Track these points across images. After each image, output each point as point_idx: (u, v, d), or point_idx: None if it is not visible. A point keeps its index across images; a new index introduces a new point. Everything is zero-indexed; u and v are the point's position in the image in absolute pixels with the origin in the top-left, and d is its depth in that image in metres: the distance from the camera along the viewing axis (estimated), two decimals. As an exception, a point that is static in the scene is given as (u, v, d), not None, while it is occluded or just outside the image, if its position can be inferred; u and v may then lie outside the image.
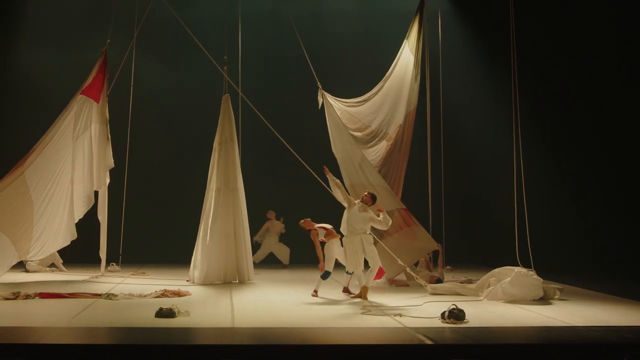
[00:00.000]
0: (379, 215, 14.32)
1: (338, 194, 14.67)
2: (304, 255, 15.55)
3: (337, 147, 17.13)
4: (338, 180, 14.85)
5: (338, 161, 17.06)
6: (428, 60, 18.26)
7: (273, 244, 21.21)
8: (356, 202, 14.40)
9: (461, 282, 15.84)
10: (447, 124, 20.74)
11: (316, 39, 22.98)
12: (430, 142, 18.57)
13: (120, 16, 19.17)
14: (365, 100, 18.30)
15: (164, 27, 20.62)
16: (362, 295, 14.07)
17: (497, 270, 14.70)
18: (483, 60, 23.27)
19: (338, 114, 17.53)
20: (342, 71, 22.74)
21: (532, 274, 14.10)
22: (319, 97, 17.38)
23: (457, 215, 21.59)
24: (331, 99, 17.63)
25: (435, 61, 19.86)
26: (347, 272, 14.46)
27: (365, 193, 14.62)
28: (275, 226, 21.28)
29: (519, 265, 14.52)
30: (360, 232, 14.13)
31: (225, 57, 18.13)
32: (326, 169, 14.81)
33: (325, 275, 14.36)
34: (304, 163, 15.68)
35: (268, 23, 23.21)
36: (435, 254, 17.96)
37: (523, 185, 15.72)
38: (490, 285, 14.41)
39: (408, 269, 15.58)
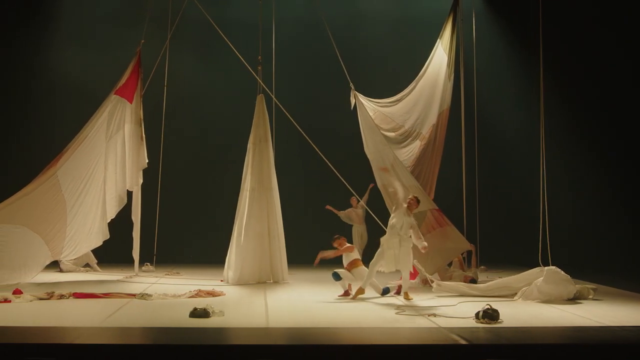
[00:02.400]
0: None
1: (388, 201, 14.72)
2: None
3: (370, 147, 17.04)
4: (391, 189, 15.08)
5: (370, 162, 17.00)
6: (462, 60, 18.12)
7: (363, 232, 20.56)
8: (403, 205, 14.33)
9: (469, 282, 15.87)
10: (481, 123, 20.59)
11: (350, 39, 23.00)
12: (465, 141, 18.39)
13: (154, 16, 19.17)
14: (398, 100, 18.19)
15: (198, 26, 20.62)
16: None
17: (521, 275, 14.68)
18: (516, 59, 23.12)
19: (371, 114, 17.47)
20: (376, 71, 22.70)
21: (560, 270, 14.04)
22: (351, 98, 17.32)
23: (492, 214, 21.46)
24: (364, 100, 17.55)
25: (469, 61, 19.72)
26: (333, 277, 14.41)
27: (411, 197, 14.51)
28: (359, 213, 20.35)
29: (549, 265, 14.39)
30: (401, 234, 14.02)
31: (259, 57, 18.12)
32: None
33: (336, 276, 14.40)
34: (333, 168, 15.65)
35: (302, 23, 23.16)
36: (468, 254, 17.82)
37: (543, 180, 15.48)
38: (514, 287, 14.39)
39: (418, 265, 15.48)
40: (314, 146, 15.95)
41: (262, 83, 17.55)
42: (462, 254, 17.36)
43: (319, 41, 18.66)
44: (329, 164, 15.85)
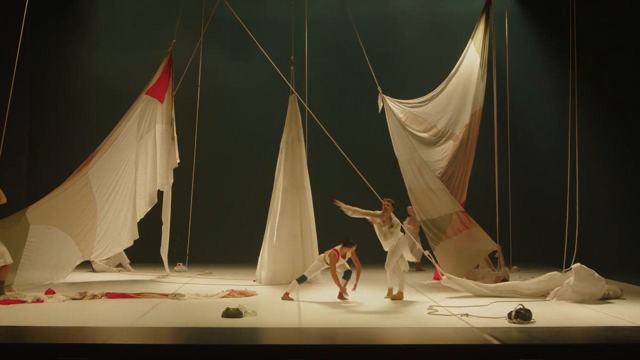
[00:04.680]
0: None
1: (358, 216, 14.76)
2: (369, 255, 15.36)
3: (399, 150, 17.00)
4: (352, 207, 14.75)
5: (399, 164, 16.97)
6: (495, 60, 17.96)
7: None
8: (377, 219, 14.49)
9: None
10: (513, 124, 20.47)
11: (383, 39, 22.99)
12: (497, 142, 18.22)
13: (185, 15, 19.18)
14: (429, 100, 18.07)
15: (230, 25, 20.61)
16: (394, 296, 14.12)
17: (530, 281, 14.74)
18: (550, 60, 22.94)
19: (402, 116, 17.50)
20: (408, 71, 22.60)
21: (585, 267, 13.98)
22: (379, 102, 17.22)
23: (525, 214, 21.32)
24: (393, 102, 17.47)
25: (502, 61, 19.57)
26: (343, 277, 14.29)
27: (385, 201, 14.58)
28: (415, 223, 19.64)
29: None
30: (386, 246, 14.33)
31: (292, 57, 18.08)
32: (336, 201, 14.79)
33: (302, 279, 14.18)
34: (358, 172, 15.56)
35: (335, 22, 23.08)
36: (494, 254, 17.64)
37: (576, 179, 15.42)
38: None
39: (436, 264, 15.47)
40: (339, 147, 15.81)
41: (289, 84, 17.43)
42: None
43: (352, 40, 18.52)
44: (353, 166, 15.73)
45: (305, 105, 17.60)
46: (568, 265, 14.82)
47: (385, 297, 14.15)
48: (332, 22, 23.17)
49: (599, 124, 20.45)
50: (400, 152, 17.02)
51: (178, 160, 18.33)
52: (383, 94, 17.09)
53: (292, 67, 18.04)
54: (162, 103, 18.11)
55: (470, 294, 14.38)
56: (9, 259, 13.86)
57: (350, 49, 20.40)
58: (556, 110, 21.98)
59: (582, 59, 16.84)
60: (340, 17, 22.14)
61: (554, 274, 14.47)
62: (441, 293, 14.69)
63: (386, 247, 14.29)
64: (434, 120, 17.94)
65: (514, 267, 19.34)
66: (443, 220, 16.50)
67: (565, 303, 13.39)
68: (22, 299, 13.14)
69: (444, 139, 17.88)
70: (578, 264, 13.96)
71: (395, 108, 17.45)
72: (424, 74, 20.94)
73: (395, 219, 14.39)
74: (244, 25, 17.26)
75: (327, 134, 15.95)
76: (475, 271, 16.73)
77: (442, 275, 14.98)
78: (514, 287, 14.49)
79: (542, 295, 14.09)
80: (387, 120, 17.15)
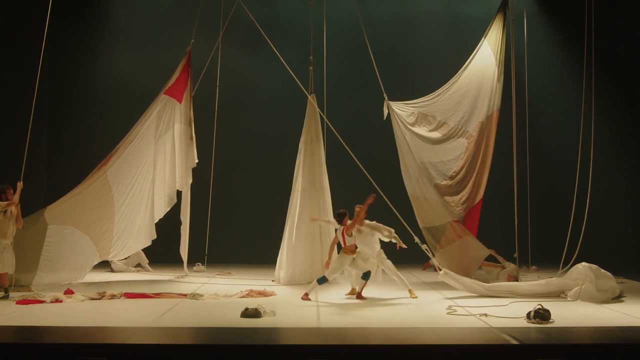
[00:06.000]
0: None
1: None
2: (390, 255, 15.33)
3: (402, 158, 17.21)
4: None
5: (402, 172, 17.17)
6: (514, 61, 17.81)
7: None
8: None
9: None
10: (530, 125, 20.39)
11: (402, 40, 22.95)
12: (516, 143, 18.10)
13: (204, 15, 19.18)
14: (438, 96, 17.92)
15: (248, 25, 20.55)
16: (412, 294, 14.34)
17: (527, 283, 14.90)
18: (568, 60, 22.80)
19: (411, 118, 17.47)
20: (427, 72, 22.45)
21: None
22: (384, 109, 17.19)
23: (543, 215, 21.23)
24: (400, 106, 17.46)
25: (520, 62, 19.43)
26: (362, 277, 14.29)
27: (356, 208, 14.58)
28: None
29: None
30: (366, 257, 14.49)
31: (310, 57, 18.05)
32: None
33: (322, 281, 14.11)
34: (370, 178, 15.50)
35: (353, 22, 23.00)
36: (490, 258, 17.60)
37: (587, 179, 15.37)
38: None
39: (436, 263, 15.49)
40: (349, 150, 15.76)
41: (302, 87, 17.32)
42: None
43: (370, 40, 18.43)
44: (363, 169, 15.68)
45: (317, 108, 17.56)
46: (567, 265, 14.83)
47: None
48: (351, 21, 23.08)
49: (622, 123, 20.33)
50: (403, 160, 17.18)
51: (196, 160, 18.31)
52: (398, 94, 17.10)
53: (310, 67, 18.02)
54: (180, 103, 18.10)
55: (474, 293, 14.43)
56: (7, 269, 13.81)
57: (370, 48, 20.41)
58: (575, 110, 21.88)
59: (603, 59, 16.75)
60: (359, 17, 22.12)
61: (553, 279, 14.60)
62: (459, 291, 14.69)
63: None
64: (444, 117, 17.78)
65: (533, 267, 19.31)
66: (437, 231, 16.70)
67: (583, 303, 13.36)
68: (41, 299, 13.19)
69: (455, 137, 17.76)
70: (586, 264, 14.09)
71: (403, 112, 17.44)
72: (444, 75, 20.84)
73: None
74: (258, 26, 17.18)
75: (340, 139, 15.87)
76: (482, 272, 17.05)
77: (439, 269, 14.97)
78: (509, 288, 14.51)
79: (537, 297, 13.90)
80: (393, 128, 17.21)
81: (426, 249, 15.42)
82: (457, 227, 16.64)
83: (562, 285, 14.18)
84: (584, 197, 17.32)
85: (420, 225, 16.72)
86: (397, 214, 15.04)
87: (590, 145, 16.53)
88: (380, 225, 14.83)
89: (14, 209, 13.85)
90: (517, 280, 16.00)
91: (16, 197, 13.84)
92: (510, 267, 16.88)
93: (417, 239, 14.89)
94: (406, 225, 15.10)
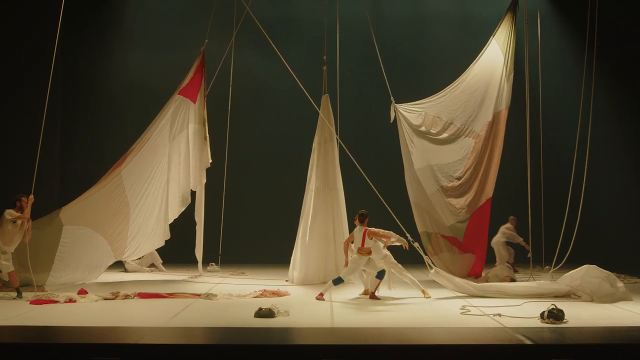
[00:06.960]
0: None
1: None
2: (399, 255, 15.28)
3: (406, 165, 17.45)
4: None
5: (405, 178, 17.41)
6: (527, 61, 17.73)
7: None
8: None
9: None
10: (545, 124, 20.34)
11: (413, 40, 22.92)
12: (529, 143, 18.03)
13: (219, 15, 19.18)
14: (445, 95, 17.89)
15: (262, 25, 20.62)
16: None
17: (519, 284, 15.04)
18: (580, 61, 22.72)
19: (419, 120, 17.54)
20: (439, 72, 22.38)
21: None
22: (391, 112, 17.18)
23: (556, 215, 21.12)
24: (408, 108, 17.47)
25: (533, 61, 19.35)
26: (376, 277, 14.29)
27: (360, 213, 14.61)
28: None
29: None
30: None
31: (324, 56, 18.05)
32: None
33: (338, 282, 14.09)
34: (372, 186, 15.50)
35: (367, 22, 23.01)
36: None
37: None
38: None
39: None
40: (350, 155, 15.81)
41: (305, 91, 17.11)
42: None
43: (384, 40, 18.39)
44: (366, 177, 15.67)
45: (321, 112, 17.56)
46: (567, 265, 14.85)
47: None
48: (365, 21, 23.05)
49: (633, 123, 20.28)
50: (406, 168, 17.40)
51: (210, 161, 18.33)
52: (410, 94, 17.12)
53: (324, 67, 18.01)
54: (194, 103, 18.14)
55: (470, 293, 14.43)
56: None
57: (382, 48, 20.36)
58: (586, 109, 21.85)
59: (615, 59, 16.69)
60: (373, 16, 22.09)
61: (544, 282, 14.71)
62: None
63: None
64: (451, 117, 17.78)
65: (546, 267, 19.20)
66: (423, 238, 17.06)
67: (596, 303, 13.33)
68: (55, 299, 13.22)
69: (462, 136, 17.72)
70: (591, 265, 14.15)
71: (410, 114, 17.46)
72: (456, 76, 20.80)
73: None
74: (263, 30, 17.20)
75: (337, 136, 15.86)
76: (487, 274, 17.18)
77: (431, 267, 15.01)
78: (499, 288, 14.48)
79: (527, 298, 13.84)
80: (399, 135, 17.35)
81: (418, 247, 15.38)
82: (442, 241, 17.09)
83: (554, 288, 14.21)
84: (594, 197, 17.23)
85: (419, 229, 17.08)
86: (396, 219, 15.04)
87: (599, 143, 16.44)
88: (388, 234, 14.75)
89: (25, 223, 13.88)
90: (513, 281, 16.04)
91: (27, 212, 13.84)
92: (500, 268, 17.13)
93: (409, 237, 14.86)
94: (404, 229, 15.06)
